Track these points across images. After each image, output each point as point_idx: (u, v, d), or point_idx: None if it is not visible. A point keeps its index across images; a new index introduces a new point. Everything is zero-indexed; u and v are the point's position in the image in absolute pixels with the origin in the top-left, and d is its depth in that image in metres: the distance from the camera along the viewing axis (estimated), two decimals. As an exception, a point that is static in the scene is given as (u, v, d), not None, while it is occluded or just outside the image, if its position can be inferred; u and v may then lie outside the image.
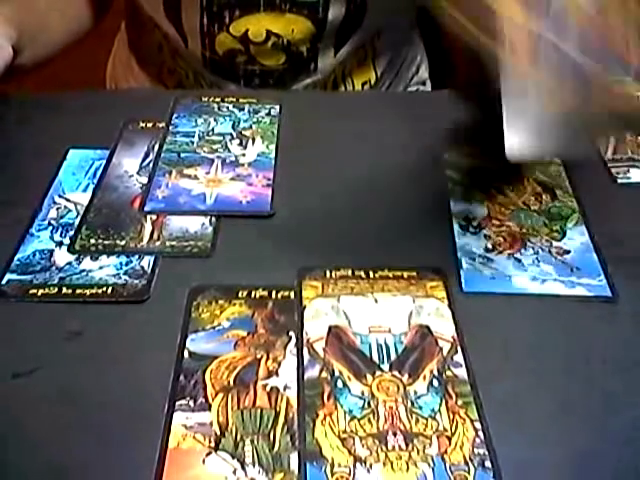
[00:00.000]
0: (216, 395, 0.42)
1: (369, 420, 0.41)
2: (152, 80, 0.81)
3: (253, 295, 0.48)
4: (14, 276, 0.50)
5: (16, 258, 0.51)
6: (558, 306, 0.49)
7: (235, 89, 0.76)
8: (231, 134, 0.64)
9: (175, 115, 0.66)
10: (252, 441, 0.40)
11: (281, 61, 0.73)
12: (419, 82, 0.88)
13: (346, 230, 0.55)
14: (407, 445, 0.39)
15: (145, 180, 0.58)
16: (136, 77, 0.83)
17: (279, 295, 0.48)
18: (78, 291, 0.49)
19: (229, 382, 0.43)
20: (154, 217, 0.55)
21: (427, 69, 0.90)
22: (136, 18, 0.79)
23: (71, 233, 0.53)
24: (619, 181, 0.59)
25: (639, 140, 0.62)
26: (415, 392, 0.42)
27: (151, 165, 0.60)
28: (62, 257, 0.52)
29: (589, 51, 0.43)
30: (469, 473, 0.38)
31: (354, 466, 0.39)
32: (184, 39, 0.73)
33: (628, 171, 0.60)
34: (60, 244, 0.53)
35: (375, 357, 0.44)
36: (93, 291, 0.49)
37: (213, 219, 0.55)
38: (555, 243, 0.53)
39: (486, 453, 0.39)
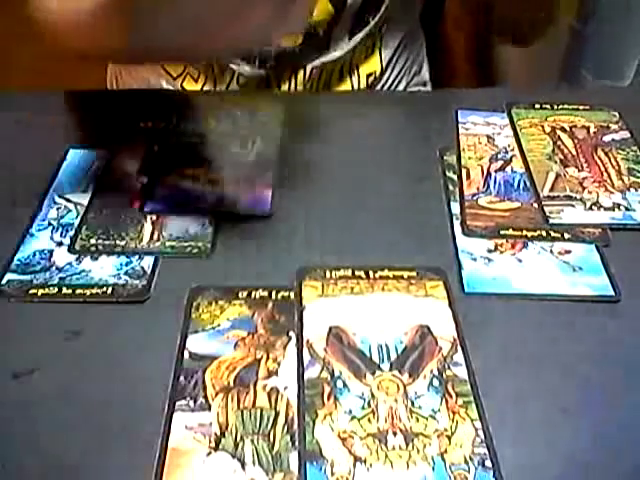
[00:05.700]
0: (216, 395, 0.42)
1: (369, 420, 0.41)
2: (156, 69, 0.79)
3: (253, 295, 0.48)
4: (14, 276, 0.50)
5: (16, 258, 0.51)
6: (560, 306, 0.48)
7: (249, 70, 0.75)
8: (231, 134, 0.64)
9: (175, 115, 0.66)
10: (252, 441, 0.40)
11: (297, 42, 0.72)
12: (420, 83, 0.88)
13: (346, 230, 0.54)
14: (407, 445, 0.39)
15: (145, 180, 0.58)
16: (138, 69, 0.81)
17: (279, 295, 0.48)
18: (78, 291, 0.49)
19: (229, 382, 0.43)
20: (154, 217, 0.55)
21: (428, 71, 0.90)
22: None
23: (71, 233, 0.53)
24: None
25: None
26: (415, 392, 0.42)
27: (151, 165, 0.60)
28: (62, 257, 0.52)
29: None
30: (469, 473, 0.38)
31: (354, 466, 0.38)
32: None
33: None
34: (60, 244, 0.53)
35: (375, 357, 0.44)
36: (93, 291, 0.49)
37: (213, 219, 0.55)
38: (557, 243, 0.53)
39: (486, 453, 0.39)
